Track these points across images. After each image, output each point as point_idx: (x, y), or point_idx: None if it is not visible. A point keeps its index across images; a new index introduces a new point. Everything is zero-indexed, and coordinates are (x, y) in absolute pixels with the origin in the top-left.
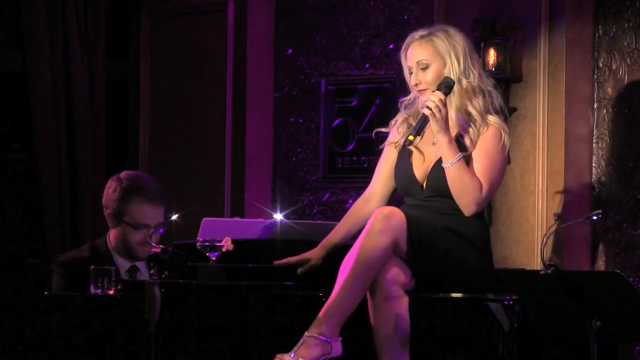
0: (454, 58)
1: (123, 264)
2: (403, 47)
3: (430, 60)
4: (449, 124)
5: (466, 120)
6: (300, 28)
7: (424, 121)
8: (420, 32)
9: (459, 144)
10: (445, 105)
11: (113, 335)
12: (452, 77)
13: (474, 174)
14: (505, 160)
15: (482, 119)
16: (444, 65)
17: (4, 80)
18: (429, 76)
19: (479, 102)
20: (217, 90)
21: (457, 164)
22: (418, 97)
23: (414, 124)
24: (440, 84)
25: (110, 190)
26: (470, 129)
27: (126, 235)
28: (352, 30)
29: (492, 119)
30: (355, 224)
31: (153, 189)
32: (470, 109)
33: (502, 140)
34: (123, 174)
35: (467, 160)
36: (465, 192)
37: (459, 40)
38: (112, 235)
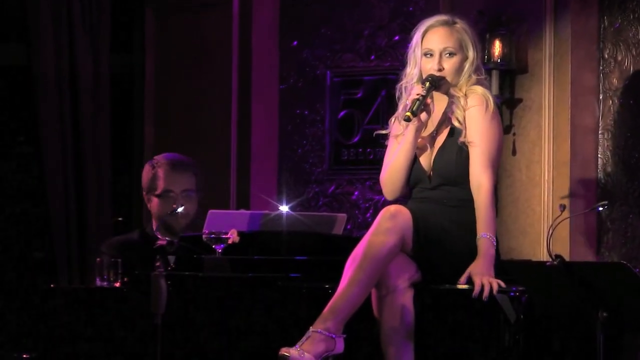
0: (474, 53)
1: None
2: (422, 28)
3: (456, 50)
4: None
5: (453, 101)
6: (305, 20)
7: (419, 102)
8: (444, 17)
9: (448, 121)
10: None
11: (119, 328)
12: (469, 71)
13: (489, 205)
14: (497, 126)
15: (465, 94)
16: (465, 58)
17: (9, 74)
18: (450, 65)
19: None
20: (222, 83)
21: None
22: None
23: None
24: (428, 79)
25: (145, 172)
26: (456, 108)
27: (159, 210)
28: (357, 22)
29: (473, 87)
30: None
31: (177, 159)
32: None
33: (486, 106)
34: (156, 157)
35: (460, 135)
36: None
37: (475, 35)
38: (152, 216)
